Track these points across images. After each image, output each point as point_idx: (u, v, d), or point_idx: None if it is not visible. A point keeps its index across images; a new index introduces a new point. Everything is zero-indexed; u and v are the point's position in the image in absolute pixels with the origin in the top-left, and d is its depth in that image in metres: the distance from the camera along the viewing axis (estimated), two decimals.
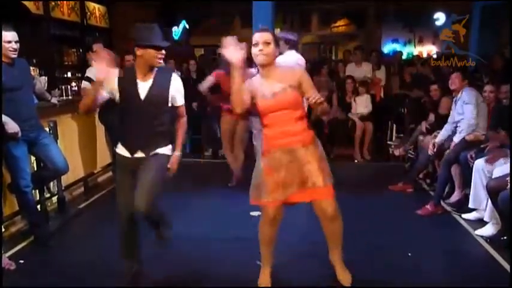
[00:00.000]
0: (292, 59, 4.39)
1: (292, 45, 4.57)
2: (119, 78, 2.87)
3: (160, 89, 2.96)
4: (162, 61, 2.92)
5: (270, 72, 2.82)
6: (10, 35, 3.52)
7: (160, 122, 2.99)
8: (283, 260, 3.30)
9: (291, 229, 3.66)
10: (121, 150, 3.04)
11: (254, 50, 2.77)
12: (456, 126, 4.88)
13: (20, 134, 3.53)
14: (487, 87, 4.80)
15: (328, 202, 2.90)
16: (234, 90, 2.73)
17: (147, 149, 2.99)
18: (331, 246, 3.11)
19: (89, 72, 5.22)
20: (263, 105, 2.83)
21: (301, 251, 3.66)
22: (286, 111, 2.81)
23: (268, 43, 2.75)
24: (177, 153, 3.15)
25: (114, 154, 5.56)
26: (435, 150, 4.97)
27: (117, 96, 2.92)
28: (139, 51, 2.83)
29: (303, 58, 4.63)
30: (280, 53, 3.43)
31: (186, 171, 4.94)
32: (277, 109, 2.80)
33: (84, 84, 5.20)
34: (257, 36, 2.77)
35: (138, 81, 2.90)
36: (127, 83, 2.90)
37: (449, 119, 5.00)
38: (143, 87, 2.91)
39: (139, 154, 2.99)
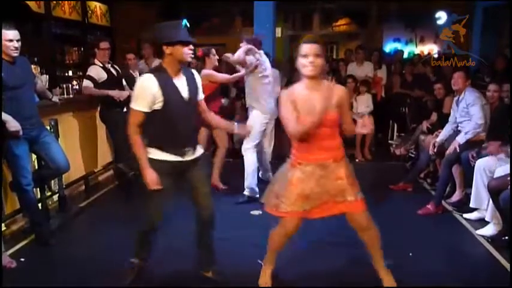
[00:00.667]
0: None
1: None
2: (159, 84, 2.73)
3: (194, 85, 2.91)
4: (192, 55, 2.85)
5: (316, 86, 2.77)
6: (12, 34, 3.53)
7: (195, 119, 2.98)
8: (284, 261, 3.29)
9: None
10: (163, 155, 2.88)
11: (303, 61, 2.72)
12: (457, 126, 4.87)
13: (21, 132, 3.54)
14: (491, 87, 4.78)
15: (360, 215, 2.92)
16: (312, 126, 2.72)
17: (195, 150, 2.97)
18: (371, 254, 3.09)
19: (91, 71, 5.22)
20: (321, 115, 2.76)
21: (303, 251, 3.66)
22: (326, 129, 2.78)
23: (318, 55, 2.70)
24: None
25: (116, 153, 5.63)
26: (435, 150, 4.96)
27: (159, 103, 2.75)
28: (168, 50, 2.73)
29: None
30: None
31: None
32: (320, 126, 2.75)
33: (86, 83, 5.20)
34: (307, 48, 2.71)
35: (174, 81, 2.80)
36: (166, 85, 2.76)
37: (450, 119, 4.99)
38: (181, 85, 2.82)
39: (190, 156, 2.93)
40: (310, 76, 2.75)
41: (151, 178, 2.83)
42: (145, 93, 2.71)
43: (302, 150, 2.85)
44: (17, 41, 3.56)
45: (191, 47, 2.78)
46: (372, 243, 3.02)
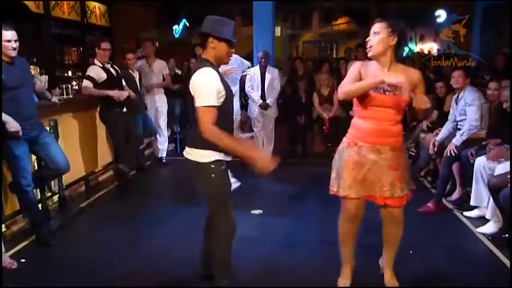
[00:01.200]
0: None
1: None
2: (219, 77, 2.60)
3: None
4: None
5: (389, 65, 2.69)
6: (9, 34, 3.52)
7: None
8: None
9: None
10: (221, 155, 2.66)
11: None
12: (457, 125, 4.87)
13: (21, 133, 3.53)
14: (492, 85, 4.77)
15: (399, 210, 2.89)
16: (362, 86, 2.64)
17: None
18: (386, 248, 3.07)
19: (90, 71, 5.22)
20: (376, 98, 2.67)
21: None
22: (391, 110, 2.69)
23: (375, 33, 2.64)
24: None
25: (116, 153, 5.63)
26: (435, 149, 4.96)
27: (222, 97, 2.60)
28: (212, 44, 2.61)
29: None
30: None
31: (188, 170, 4.96)
32: (386, 106, 2.68)
33: (86, 83, 5.20)
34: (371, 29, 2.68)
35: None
36: (221, 78, 2.64)
37: (450, 117, 4.99)
38: (225, 82, 2.70)
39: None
40: (371, 56, 2.70)
41: (265, 157, 2.59)
42: (215, 87, 2.54)
43: (361, 130, 2.78)
44: (15, 41, 3.55)
45: (233, 50, 2.72)
46: (394, 240, 3.02)
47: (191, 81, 2.59)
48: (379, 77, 2.60)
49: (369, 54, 2.70)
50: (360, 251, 3.57)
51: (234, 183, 4.92)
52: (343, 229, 2.98)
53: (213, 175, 2.63)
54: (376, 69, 2.71)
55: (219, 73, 2.64)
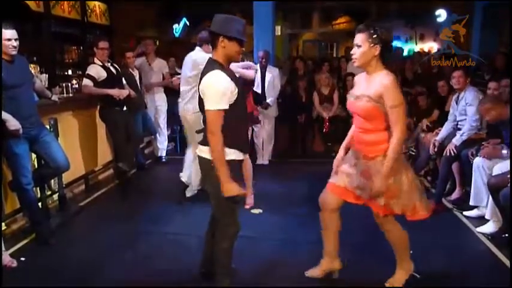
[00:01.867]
0: (200, 55, 4.52)
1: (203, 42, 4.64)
2: (229, 78, 2.59)
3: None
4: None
5: (369, 74, 2.74)
6: (9, 33, 3.52)
7: None
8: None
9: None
10: (233, 155, 2.68)
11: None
12: (457, 124, 4.87)
13: (21, 131, 3.54)
14: (491, 84, 4.77)
15: (382, 216, 2.94)
16: None
17: None
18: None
19: (90, 70, 5.22)
20: (349, 104, 2.85)
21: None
22: (360, 118, 2.77)
23: (358, 45, 2.67)
24: None
25: (116, 152, 5.62)
26: (436, 149, 4.96)
27: (234, 97, 2.60)
28: (222, 43, 2.60)
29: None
30: None
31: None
32: (355, 112, 2.79)
33: (86, 82, 5.20)
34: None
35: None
36: (231, 77, 2.64)
37: (450, 117, 4.99)
38: (235, 79, 2.71)
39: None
40: (357, 67, 2.76)
41: (234, 190, 2.59)
42: (226, 90, 2.54)
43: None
44: (15, 40, 3.56)
45: (243, 48, 2.72)
46: (392, 241, 3.10)
47: (201, 83, 2.59)
48: (358, 85, 2.82)
49: (355, 65, 2.75)
50: (365, 248, 3.60)
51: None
52: (321, 218, 3.06)
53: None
54: (360, 78, 2.85)
55: (230, 72, 2.64)
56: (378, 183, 2.67)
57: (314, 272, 3.19)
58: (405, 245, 3.09)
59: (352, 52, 2.71)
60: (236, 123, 2.64)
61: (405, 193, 2.76)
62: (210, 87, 2.54)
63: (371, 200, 2.81)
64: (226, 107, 2.54)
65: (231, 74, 2.66)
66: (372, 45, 2.62)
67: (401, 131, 2.61)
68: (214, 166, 2.60)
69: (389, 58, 2.72)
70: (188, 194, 4.92)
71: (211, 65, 2.63)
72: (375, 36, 2.61)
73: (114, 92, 5.17)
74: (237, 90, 2.60)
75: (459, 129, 4.78)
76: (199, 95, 2.63)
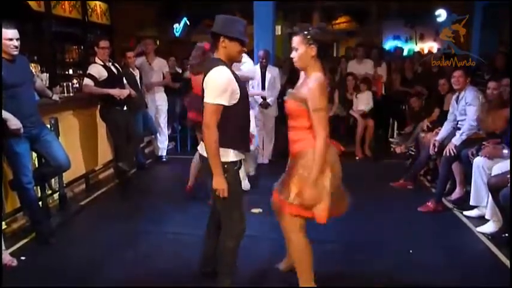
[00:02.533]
0: None
1: None
2: (233, 76, 2.62)
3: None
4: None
5: (306, 75, 2.73)
6: (11, 33, 3.53)
7: None
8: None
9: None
10: (238, 155, 2.73)
11: None
12: (457, 124, 4.87)
13: (22, 130, 3.54)
14: (491, 84, 4.77)
15: (285, 218, 2.81)
16: None
17: None
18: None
19: (91, 70, 5.22)
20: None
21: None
22: (290, 119, 2.78)
23: (295, 48, 2.68)
24: None
25: (116, 151, 5.63)
26: (436, 149, 4.97)
27: (236, 95, 2.62)
28: (224, 43, 2.62)
29: None
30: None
31: (188, 168, 4.97)
32: (286, 111, 2.80)
33: (86, 81, 5.20)
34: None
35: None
36: (235, 77, 2.65)
37: (449, 117, 5.00)
38: (239, 80, 2.72)
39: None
40: (298, 68, 2.77)
41: (223, 186, 2.61)
42: (228, 86, 2.56)
43: None
44: (17, 39, 3.57)
45: (245, 49, 2.74)
46: (294, 257, 2.91)
47: (205, 78, 2.61)
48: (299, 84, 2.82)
49: (296, 66, 2.76)
50: (365, 248, 3.60)
51: (246, 185, 4.93)
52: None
53: (225, 175, 2.62)
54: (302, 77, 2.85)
55: (233, 72, 2.65)
56: (298, 182, 2.66)
57: (280, 265, 3.22)
58: (306, 263, 2.84)
59: (291, 56, 2.71)
60: (238, 124, 2.66)
61: (315, 192, 2.64)
62: (213, 81, 2.57)
63: (284, 199, 2.74)
64: (226, 103, 2.56)
65: (235, 75, 2.66)
66: (308, 45, 2.64)
67: (322, 137, 2.57)
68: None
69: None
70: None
71: (215, 62, 2.65)
72: (309, 37, 2.64)
73: (114, 91, 5.17)
74: (239, 91, 2.61)
75: (459, 128, 4.78)
76: (203, 90, 2.64)
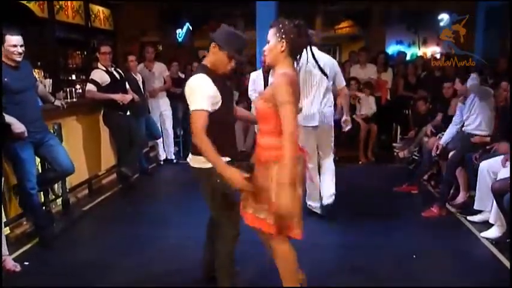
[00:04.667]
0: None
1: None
2: (214, 83, 2.61)
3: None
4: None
5: (276, 72, 2.54)
6: (15, 39, 3.55)
7: None
8: None
9: None
10: (225, 160, 2.62)
11: None
12: (461, 127, 4.88)
13: (26, 134, 3.56)
14: (503, 85, 4.73)
15: (272, 239, 2.59)
16: None
17: None
18: None
19: (94, 75, 5.24)
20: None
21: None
22: (258, 118, 2.61)
23: (267, 41, 2.52)
24: None
25: (119, 156, 5.64)
26: (438, 152, 4.96)
27: (218, 102, 2.63)
28: (214, 49, 2.65)
29: None
30: None
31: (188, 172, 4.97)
32: (255, 112, 2.66)
33: (89, 86, 5.22)
34: None
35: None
36: (220, 87, 2.66)
37: (454, 120, 4.99)
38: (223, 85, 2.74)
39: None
40: (267, 64, 2.62)
41: (237, 176, 2.43)
42: (206, 92, 2.56)
43: None
44: (21, 46, 3.59)
45: (232, 64, 2.71)
46: (277, 263, 2.67)
47: (186, 87, 2.62)
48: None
49: (266, 62, 2.61)
50: (368, 252, 3.58)
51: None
52: None
53: (218, 180, 2.59)
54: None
55: (217, 78, 2.65)
56: (268, 193, 2.43)
57: None
58: (290, 270, 2.66)
59: (264, 48, 2.57)
60: (221, 130, 2.63)
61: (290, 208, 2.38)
62: (191, 89, 2.58)
63: (252, 213, 2.56)
64: (209, 108, 2.54)
65: (219, 81, 2.66)
66: (279, 39, 2.47)
67: (290, 131, 2.29)
68: (205, 172, 2.64)
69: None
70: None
71: (198, 69, 2.70)
72: (282, 31, 2.46)
73: (117, 97, 5.19)
74: (220, 96, 2.62)
75: (463, 132, 4.79)
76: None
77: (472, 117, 4.74)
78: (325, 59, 4.16)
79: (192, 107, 2.54)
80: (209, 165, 2.58)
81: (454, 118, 5.01)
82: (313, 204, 4.43)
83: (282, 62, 2.49)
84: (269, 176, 2.44)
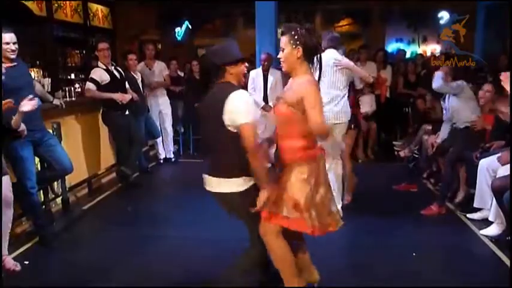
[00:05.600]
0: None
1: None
2: None
3: None
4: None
5: (293, 78, 2.64)
6: (8, 37, 3.54)
7: None
8: None
9: None
10: (251, 178, 2.62)
11: None
12: (452, 124, 4.91)
13: (25, 132, 3.55)
14: (485, 87, 4.78)
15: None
16: None
17: None
18: None
19: (94, 74, 5.23)
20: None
21: None
22: (280, 123, 2.67)
23: (282, 48, 2.58)
24: None
25: (119, 155, 5.63)
26: (434, 150, 4.98)
27: None
28: (232, 69, 2.58)
29: None
30: None
31: (191, 172, 4.97)
32: (276, 117, 2.68)
33: (89, 85, 5.21)
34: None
35: None
36: None
37: (444, 117, 5.04)
38: None
39: None
40: (284, 71, 2.66)
41: (270, 193, 2.50)
42: (252, 106, 2.55)
43: None
44: (13, 43, 3.57)
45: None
46: (274, 260, 2.72)
47: (229, 102, 2.49)
48: (286, 88, 2.70)
49: (283, 70, 2.66)
50: (368, 251, 3.58)
51: None
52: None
53: (247, 198, 2.54)
54: (290, 81, 2.73)
55: None
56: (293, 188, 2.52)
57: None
58: (288, 266, 2.71)
59: (279, 56, 2.62)
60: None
61: (317, 206, 2.54)
62: (240, 103, 2.49)
63: (273, 209, 2.57)
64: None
65: None
66: (294, 46, 2.53)
67: (320, 120, 2.44)
68: (241, 195, 2.56)
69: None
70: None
71: (230, 87, 2.57)
72: (296, 37, 2.52)
73: (117, 96, 5.18)
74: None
75: (455, 128, 4.82)
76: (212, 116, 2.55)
77: (455, 113, 4.79)
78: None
79: (242, 121, 2.46)
80: (244, 187, 2.55)
81: (443, 116, 5.05)
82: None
83: (299, 67, 2.58)
84: (294, 175, 2.53)
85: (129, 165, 5.50)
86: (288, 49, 2.55)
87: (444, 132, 5.00)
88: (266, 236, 2.62)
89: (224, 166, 2.56)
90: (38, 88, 4.28)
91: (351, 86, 4.73)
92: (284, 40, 2.56)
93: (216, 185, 2.61)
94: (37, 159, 4.21)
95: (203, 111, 2.68)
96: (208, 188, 2.67)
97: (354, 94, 4.98)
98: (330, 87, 4.27)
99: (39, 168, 4.31)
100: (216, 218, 4.57)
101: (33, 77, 4.86)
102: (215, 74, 2.62)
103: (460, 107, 4.77)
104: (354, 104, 4.93)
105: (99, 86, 5.18)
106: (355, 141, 6.90)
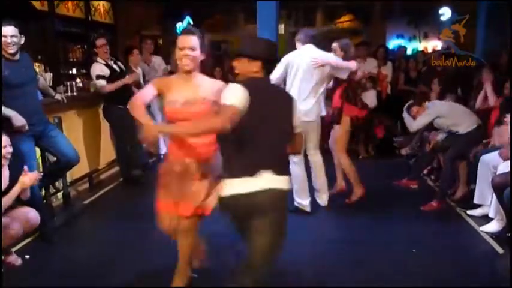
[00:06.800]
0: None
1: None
2: None
3: None
4: None
5: (191, 78, 2.68)
6: (7, 30, 3.51)
7: None
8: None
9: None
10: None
11: (178, 54, 2.64)
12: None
13: (27, 127, 3.55)
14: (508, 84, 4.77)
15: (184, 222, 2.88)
16: None
17: None
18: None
19: (96, 70, 5.24)
20: (168, 110, 2.74)
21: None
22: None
23: (193, 49, 2.62)
24: None
25: (119, 150, 5.62)
26: (431, 147, 5.01)
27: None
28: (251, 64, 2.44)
29: None
30: None
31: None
32: (182, 119, 2.65)
33: (100, 83, 5.22)
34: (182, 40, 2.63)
35: None
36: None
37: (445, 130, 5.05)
38: None
39: None
40: (185, 71, 2.66)
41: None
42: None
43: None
44: (11, 36, 3.53)
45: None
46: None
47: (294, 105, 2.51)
48: (176, 89, 2.72)
49: (187, 69, 2.66)
50: (368, 247, 3.58)
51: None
52: None
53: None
54: (173, 82, 2.78)
55: None
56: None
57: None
58: (187, 257, 2.97)
59: (186, 53, 2.60)
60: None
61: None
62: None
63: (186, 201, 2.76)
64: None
65: None
66: (202, 48, 2.65)
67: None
68: (285, 195, 2.46)
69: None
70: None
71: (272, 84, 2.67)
72: (202, 40, 2.66)
73: (127, 79, 5.22)
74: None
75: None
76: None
77: (453, 127, 4.75)
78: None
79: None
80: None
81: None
82: (303, 202, 4.40)
83: (197, 69, 2.71)
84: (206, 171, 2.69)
85: (136, 165, 5.54)
86: (199, 50, 2.65)
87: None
88: (190, 232, 2.85)
89: (280, 160, 2.47)
90: (41, 82, 4.29)
91: (336, 78, 4.68)
92: (197, 41, 2.63)
93: (277, 181, 2.39)
94: (38, 154, 4.22)
95: (264, 105, 2.35)
96: (262, 184, 2.35)
97: (339, 86, 4.80)
98: (302, 83, 4.27)
99: (41, 164, 4.32)
100: (216, 211, 4.59)
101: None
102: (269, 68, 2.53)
103: (456, 122, 4.72)
104: (341, 97, 4.77)
105: (104, 79, 5.22)
106: (356, 138, 6.93)
